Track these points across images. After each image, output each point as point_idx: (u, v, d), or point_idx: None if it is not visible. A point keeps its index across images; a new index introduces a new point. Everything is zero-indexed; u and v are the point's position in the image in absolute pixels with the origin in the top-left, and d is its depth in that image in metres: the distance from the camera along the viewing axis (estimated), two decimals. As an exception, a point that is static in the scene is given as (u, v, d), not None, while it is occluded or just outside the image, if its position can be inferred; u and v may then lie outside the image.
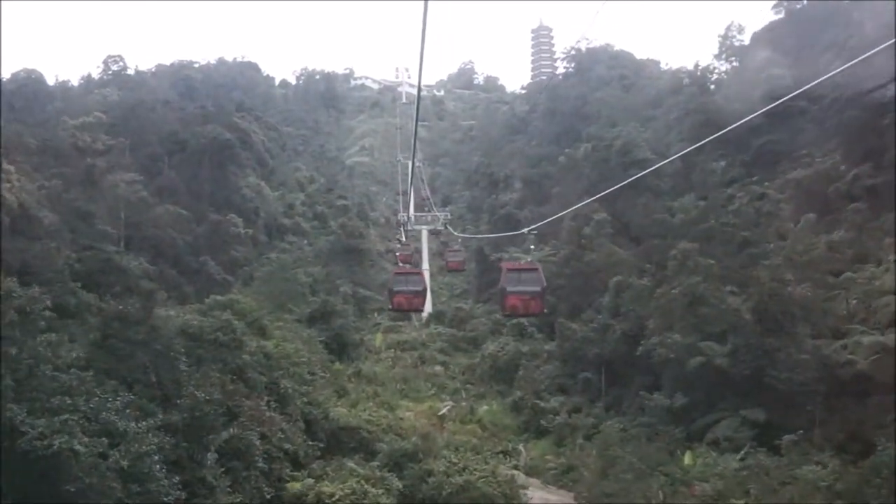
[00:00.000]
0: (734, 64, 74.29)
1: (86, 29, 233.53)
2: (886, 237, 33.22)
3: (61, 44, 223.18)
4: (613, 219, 47.58)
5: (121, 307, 20.00)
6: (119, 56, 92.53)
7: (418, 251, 59.14)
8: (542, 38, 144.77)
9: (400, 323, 52.36)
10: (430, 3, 6.97)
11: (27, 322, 17.41)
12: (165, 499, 16.27)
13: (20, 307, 17.29)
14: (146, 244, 46.91)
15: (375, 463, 25.24)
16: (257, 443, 20.93)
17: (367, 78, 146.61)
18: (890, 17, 34.27)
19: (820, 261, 34.24)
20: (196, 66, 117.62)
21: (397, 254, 43.55)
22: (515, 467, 30.40)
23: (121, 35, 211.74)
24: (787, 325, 28.61)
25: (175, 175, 57.66)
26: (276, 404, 25.07)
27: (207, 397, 18.81)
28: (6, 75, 77.99)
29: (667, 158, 46.33)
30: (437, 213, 62.56)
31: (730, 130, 13.53)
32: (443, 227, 58.73)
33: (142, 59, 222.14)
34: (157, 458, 15.96)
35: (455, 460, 26.00)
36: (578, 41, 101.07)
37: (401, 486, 23.84)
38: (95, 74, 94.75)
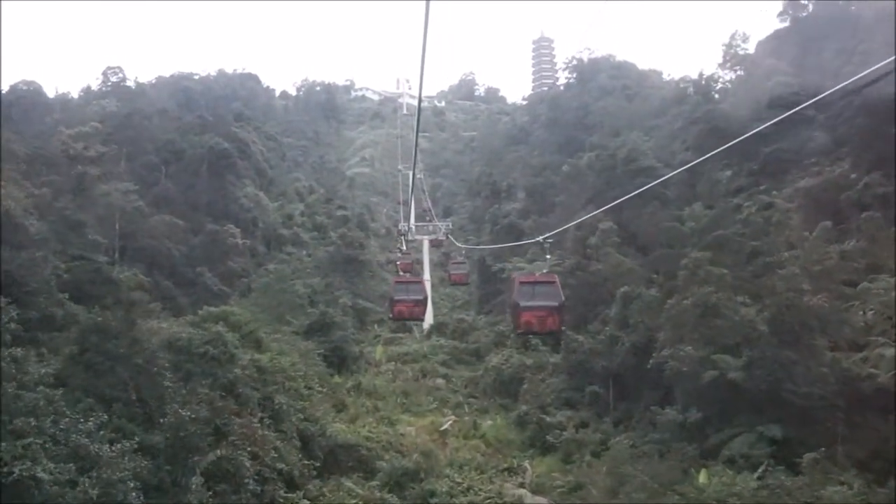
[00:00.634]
0: (739, 73, 73.55)
1: (87, 42, 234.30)
2: (901, 246, 32.12)
3: (63, 57, 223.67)
4: (619, 228, 46.52)
5: (99, 318, 18.73)
6: (118, 67, 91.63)
7: (419, 262, 58.16)
8: (543, 50, 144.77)
9: (401, 335, 51.32)
10: (430, 14, 6.82)
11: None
12: (141, 529, 14.88)
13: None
14: (141, 255, 45.96)
15: (375, 482, 24.05)
16: (248, 464, 19.59)
17: (367, 89, 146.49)
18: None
19: (835, 270, 33.19)
20: (196, 77, 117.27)
21: (398, 263, 42.64)
22: (521, 485, 29.17)
23: (122, 48, 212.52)
24: (805, 337, 27.39)
25: (172, 185, 56.75)
26: (269, 421, 23.81)
27: (193, 415, 17.55)
28: (5, 87, 77.27)
29: (672, 167, 45.61)
30: (439, 224, 61.61)
31: (736, 141, 12.56)
32: (444, 237, 57.82)
33: (142, 71, 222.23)
34: (132, 484, 14.59)
35: (459, 480, 24.86)
36: (580, 51, 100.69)
37: (402, 508, 22.63)
38: (95, 86, 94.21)
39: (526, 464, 32.01)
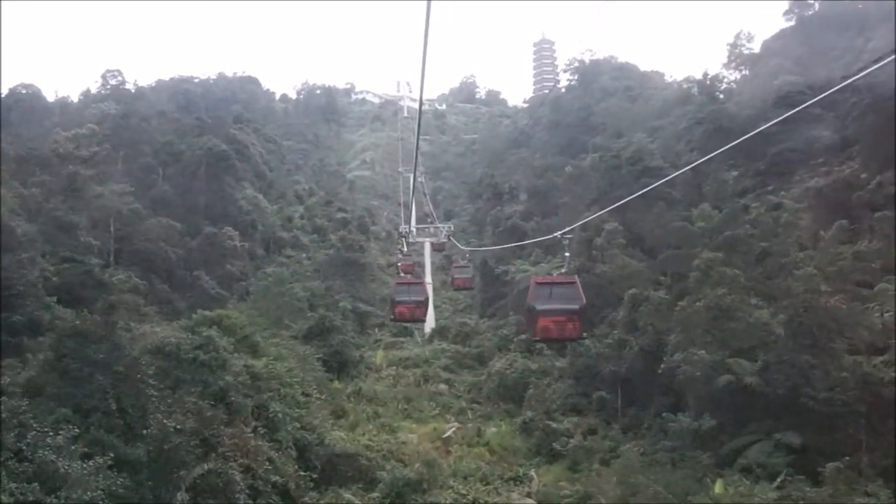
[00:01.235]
0: (744, 72, 72.72)
1: (88, 47, 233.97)
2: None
3: (64, 62, 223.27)
4: (624, 229, 45.50)
5: (77, 322, 17.54)
6: (118, 70, 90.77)
7: (420, 265, 57.10)
8: (544, 52, 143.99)
9: (402, 339, 50.27)
10: (431, 16, 6.79)
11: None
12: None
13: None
14: (137, 258, 45.03)
15: (375, 494, 22.94)
16: (238, 477, 18.40)
17: (368, 92, 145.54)
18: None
19: (850, 271, 32.17)
20: (196, 80, 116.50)
21: (399, 264, 41.63)
22: (528, 495, 28.14)
23: (123, 52, 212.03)
24: (823, 340, 26.29)
25: (169, 187, 55.82)
26: (264, 430, 22.64)
27: (178, 426, 16.35)
28: (4, 91, 76.48)
29: (677, 168, 44.65)
30: (440, 226, 60.59)
31: (743, 138, 11.58)
32: (446, 239, 56.77)
33: (143, 75, 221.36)
34: (106, 504, 13.32)
35: (463, 491, 23.69)
36: (582, 53, 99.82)
37: (403, 521, 21.49)
38: (94, 89, 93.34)
39: (532, 472, 30.95)
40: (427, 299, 19.49)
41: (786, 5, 72.21)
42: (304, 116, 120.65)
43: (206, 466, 17.25)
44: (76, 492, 12.84)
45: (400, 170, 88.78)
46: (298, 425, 25.61)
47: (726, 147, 11.99)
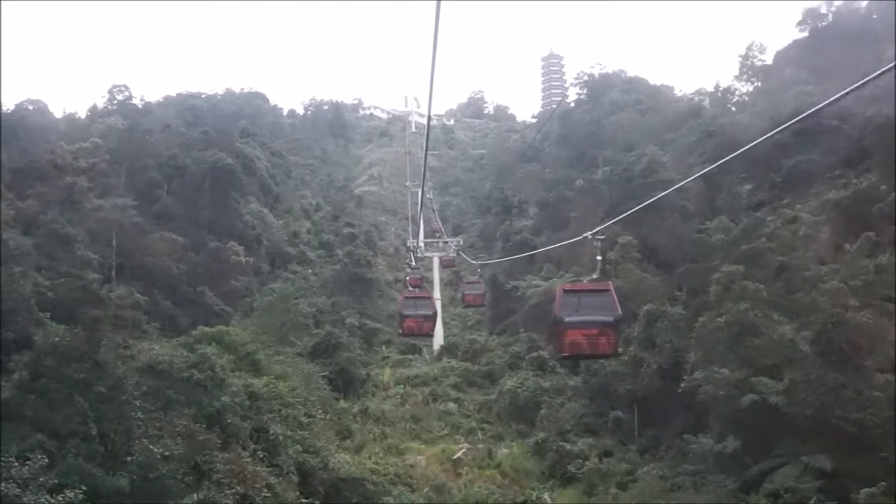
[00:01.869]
0: (756, 84, 71.71)
1: (96, 63, 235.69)
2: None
3: (72, 79, 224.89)
4: (638, 242, 44.25)
5: (56, 339, 16.36)
6: (124, 86, 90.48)
7: (429, 280, 55.92)
8: (552, 67, 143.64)
9: (410, 356, 49.07)
10: (439, 32, 6.86)
11: None
12: None
13: None
14: (139, 273, 44.07)
15: (381, 522, 21.58)
16: (234, 507, 17.16)
17: (375, 108, 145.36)
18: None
19: (876, 285, 30.81)
20: (203, 96, 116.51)
21: (407, 278, 40.58)
22: (541, 521, 26.74)
23: (131, 69, 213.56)
24: (853, 358, 24.93)
25: (173, 201, 54.90)
26: (263, 454, 21.38)
27: (166, 452, 15.12)
28: (10, 106, 76.11)
29: (690, 179, 43.53)
30: (449, 240, 59.47)
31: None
32: (455, 254, 55.65)
33: (150, 91, 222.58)
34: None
35: (474, 518, 22.34)
36: (591, 67, 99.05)
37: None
38: (101, 105, 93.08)
39: (546, 496, 29.71)
40: (435, 314, 18.68)
41: (799, 16, 71.49)
42: (311, 132, 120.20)
43: (196, 496, 15.96)
44: (42, 531, 11.61)
45: (408, 185, 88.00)
46: (301, 448, 24.32)
47: (741, 150, 10.85)
